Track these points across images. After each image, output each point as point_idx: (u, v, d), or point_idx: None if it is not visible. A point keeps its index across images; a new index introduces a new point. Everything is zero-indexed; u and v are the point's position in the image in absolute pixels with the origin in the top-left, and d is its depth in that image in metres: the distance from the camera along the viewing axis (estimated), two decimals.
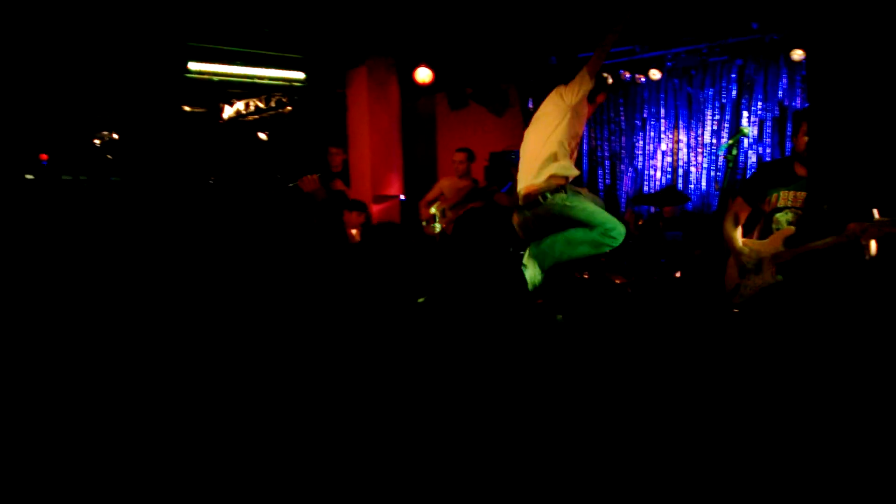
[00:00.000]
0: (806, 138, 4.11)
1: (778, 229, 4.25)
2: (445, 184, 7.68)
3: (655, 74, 7.92)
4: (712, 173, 8.00)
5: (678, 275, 6.69)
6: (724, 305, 4.50)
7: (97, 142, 13.62)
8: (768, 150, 7.50)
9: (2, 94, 9.22)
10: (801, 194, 4.17)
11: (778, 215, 4.27)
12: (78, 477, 2.19)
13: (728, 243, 4.48)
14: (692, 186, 8.14)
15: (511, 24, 7.59)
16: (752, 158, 7.58)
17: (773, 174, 4.34)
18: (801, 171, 4.20)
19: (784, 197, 4.24)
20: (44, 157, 13.97)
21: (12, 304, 2.63)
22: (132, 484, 2.18)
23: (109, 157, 13.71)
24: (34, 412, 2.32)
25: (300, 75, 8.94)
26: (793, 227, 4.17)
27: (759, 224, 4.47)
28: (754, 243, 4.37)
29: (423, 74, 8.59)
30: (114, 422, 2.32)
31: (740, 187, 4.57)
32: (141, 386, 2.40)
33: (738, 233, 4.48)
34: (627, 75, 8.18)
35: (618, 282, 6.89)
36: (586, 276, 7.09)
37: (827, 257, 3.81)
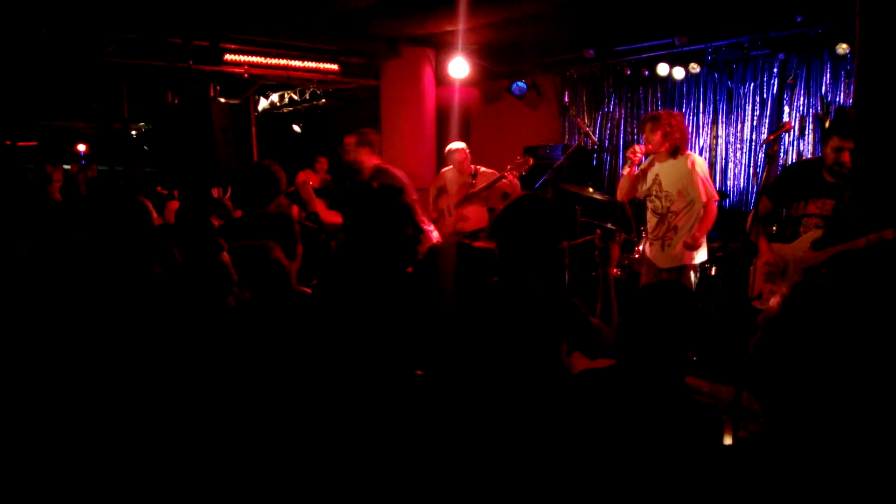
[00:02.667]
0: (834, 155, 4.01)
1: (806, 232, 4.16)
2: (450, 176, 7.09)
3: (663, 69, 7.94)
4: (751, 170, 7.83)
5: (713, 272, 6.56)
6: (748, 308, 4.42)
7: (134, 133, 13.80)
8: (810, 148, 7.31)
9: (38, 86, 9.34)
10: (830, 202, 4.07)
11: (806, 219, 4.18)
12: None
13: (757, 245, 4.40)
14: (731, 183, 7.98)
15: (548, 17, 7.49)
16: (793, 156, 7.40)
17: (801, 180, 4.26)
18: (829, 178, 4.10)
19: (813, 204, 4.15)
20: (82, 147, 14.19)
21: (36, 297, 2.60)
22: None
23: (146, 147, 13.89)
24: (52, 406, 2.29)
25: (334, 67, 8.93)
26: (821, 231, 4.07)
27: (787, 227, 4.38)
28: (781, 247, 4.27)
29: (459, 67, 8.51)
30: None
31: (768, 187, 4.46)
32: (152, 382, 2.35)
33: (764, 236, 4.40)
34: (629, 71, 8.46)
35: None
36: (618, 273, 6.97)
37: (858, 259, 3.69)
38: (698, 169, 5.18)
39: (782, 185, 4.39)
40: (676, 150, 5.22)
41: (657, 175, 5.36)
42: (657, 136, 5.22)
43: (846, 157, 3.94)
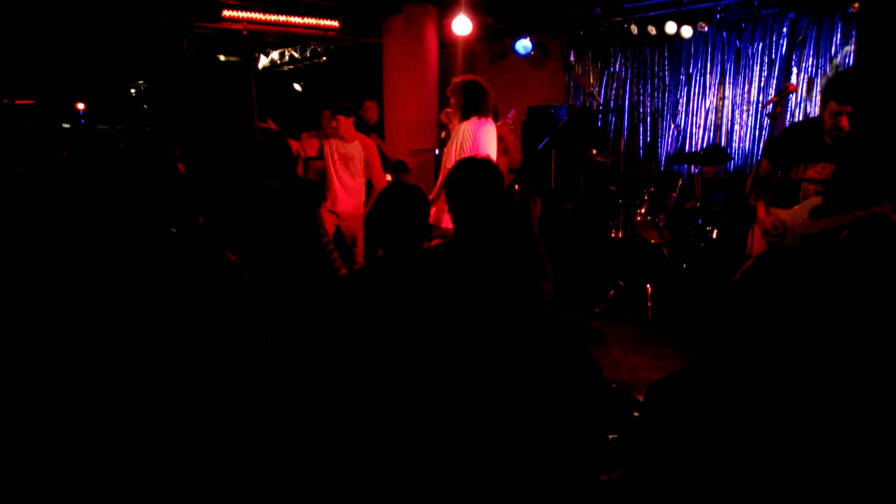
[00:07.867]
0: (832, 119, 3.86)
1: (805, 198, 4.02)
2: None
3: (671, 28, 7.85)
4: (757, 132, 7.72)
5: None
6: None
7: (133, 91, 13.64)
8: (817, 110, 7.19)
9: (38, 45, 9.21)
10: (830, 166, 3.93)
11: (805, 184, 4.02)
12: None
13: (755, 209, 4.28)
14: (736, 145, 7.88)
15: None
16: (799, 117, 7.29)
17: (801, 142, 4.06)
18: (830, 141, 3.94)
19: (812, 168, 4.00)
20: (81, 105, 14.06)
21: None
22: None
23: (145, 106, 13.74)
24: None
25: (335, 23, 8.78)
26: (820, 198, 3.93)
27: (786, 191, 4.23)
28: (780, 212, 4.14)
29: (463, 24, 8.36)
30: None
31: (768, 149, 4.33)
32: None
33: (763, 199, 4.27)
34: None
35: (653, 242, 6.73)
36: (620, 235, 6.94)
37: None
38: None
39: (782, 146, 4.23)
40: (467, 113, 5.22)
41: None
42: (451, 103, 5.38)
43: (844, 121, 3.78)
